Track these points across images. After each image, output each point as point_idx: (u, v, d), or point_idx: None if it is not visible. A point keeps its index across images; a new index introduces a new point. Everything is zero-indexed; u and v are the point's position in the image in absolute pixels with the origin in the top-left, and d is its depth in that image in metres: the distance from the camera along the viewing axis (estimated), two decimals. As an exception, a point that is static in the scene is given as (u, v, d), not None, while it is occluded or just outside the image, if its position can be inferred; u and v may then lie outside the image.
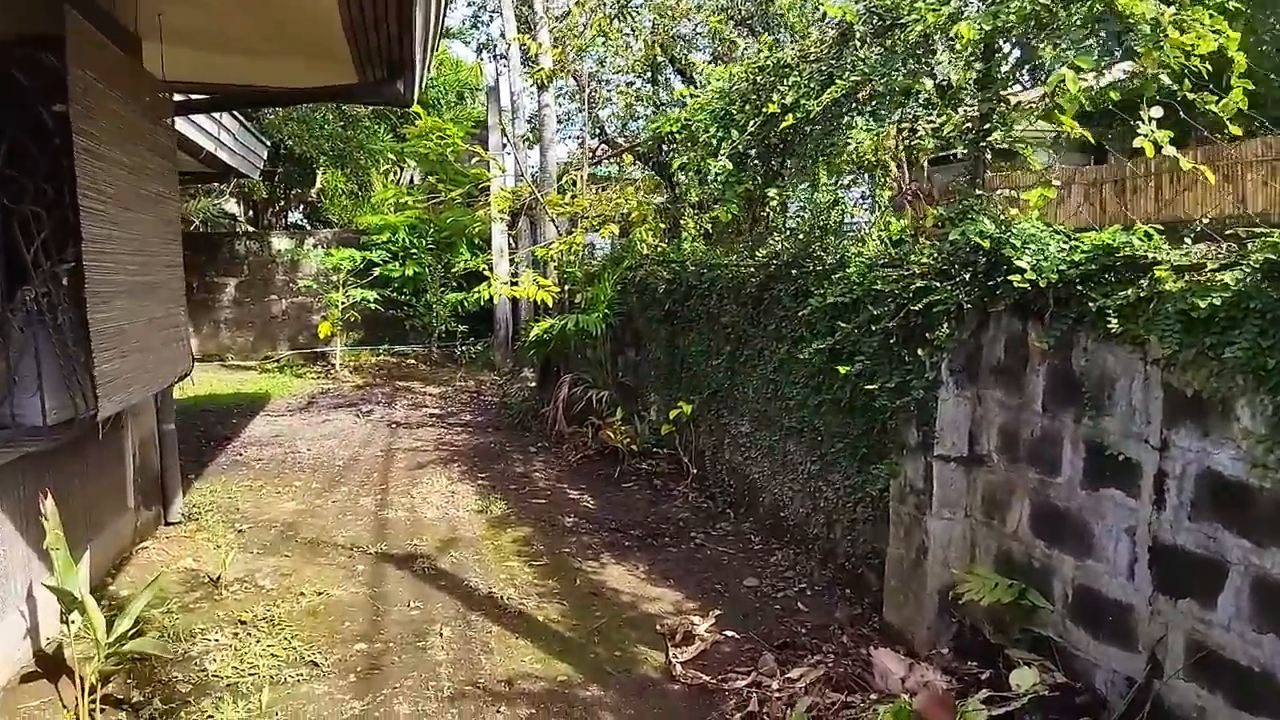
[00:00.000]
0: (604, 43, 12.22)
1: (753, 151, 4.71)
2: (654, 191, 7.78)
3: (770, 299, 5.26)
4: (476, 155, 12.26)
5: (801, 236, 4.98)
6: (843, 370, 3.87)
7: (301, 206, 19.91)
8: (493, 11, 20.30)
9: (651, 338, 7.28)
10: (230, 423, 8.83)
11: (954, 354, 3.61)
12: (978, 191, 3.60)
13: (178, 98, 5.60)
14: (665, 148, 7.09)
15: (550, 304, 7.17)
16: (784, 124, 4.14)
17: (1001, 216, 3.48)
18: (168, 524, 5.57)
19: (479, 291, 7.50)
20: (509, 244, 12.57)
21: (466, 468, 7.10)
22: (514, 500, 6.19)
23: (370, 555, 5.02)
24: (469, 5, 21.26)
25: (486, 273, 9.25)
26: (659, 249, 7.24)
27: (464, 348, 13.07)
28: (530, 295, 6.98)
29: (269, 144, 13.32)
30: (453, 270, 12.94)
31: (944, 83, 3.66)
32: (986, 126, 3.57)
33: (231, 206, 18.32)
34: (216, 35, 5.15)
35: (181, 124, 8.62)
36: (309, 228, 18.86)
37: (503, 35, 10.12)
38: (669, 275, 6.95)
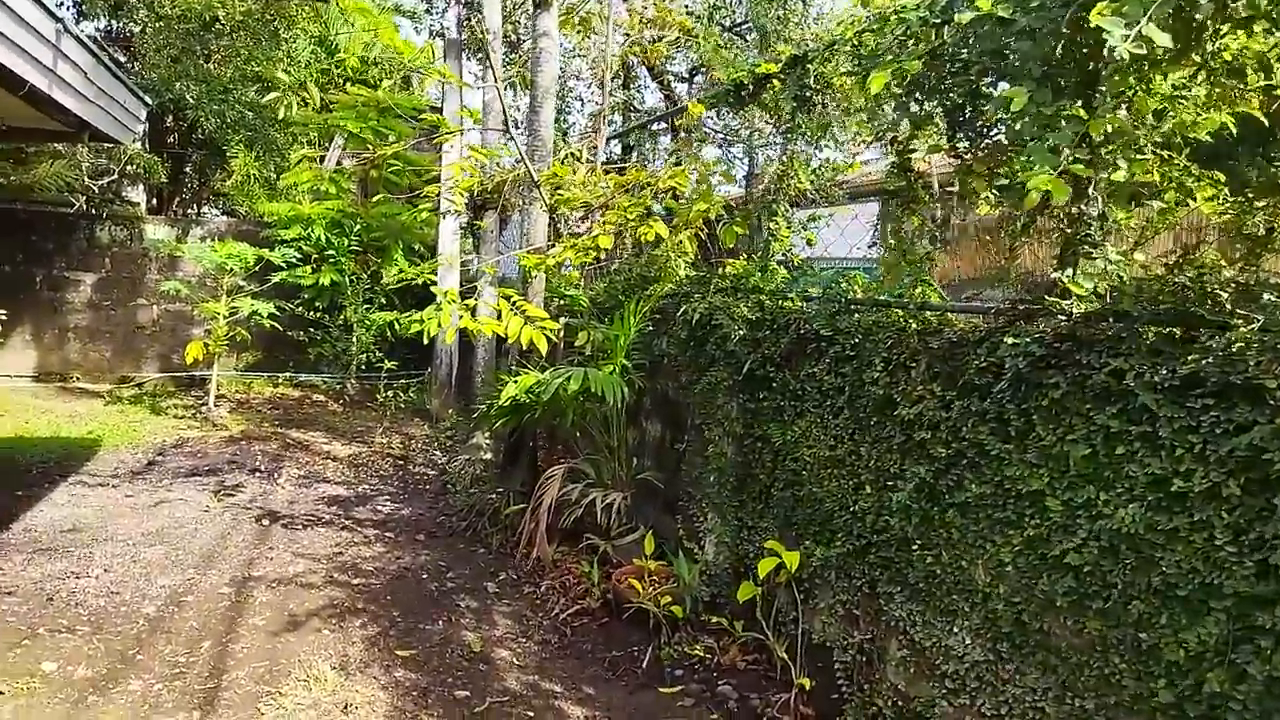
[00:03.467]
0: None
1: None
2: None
3: (1075, 384, 2.41)
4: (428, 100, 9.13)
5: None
6: None
7: (220, 200, 16.46)
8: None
9: (708, 415, 4.35)
10: (14, 495, 5.54)
11: None
12: None
13: None
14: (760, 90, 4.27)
15: (541, 347, 4.22)
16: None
17: None
18: None
19: (422, 318, 4.45)
20: (461, 241, 9.56)
21: (377, 630, 4.00)
22: (465, 735, 3.16)
23: None
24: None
25: (434, 287, 6.15)
26: (738, 266, 4.36)
27: (390, 391, 9.79)
28: (511, 335, 4.01)
29: (153, 107, 10.05)
30: (382, 282, 9.74)
31: None
32: None
33: (138, 195, 14.79)
34: None
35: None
36: (209, 217, 15.36)
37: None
38: (752, 315, 4.07)
